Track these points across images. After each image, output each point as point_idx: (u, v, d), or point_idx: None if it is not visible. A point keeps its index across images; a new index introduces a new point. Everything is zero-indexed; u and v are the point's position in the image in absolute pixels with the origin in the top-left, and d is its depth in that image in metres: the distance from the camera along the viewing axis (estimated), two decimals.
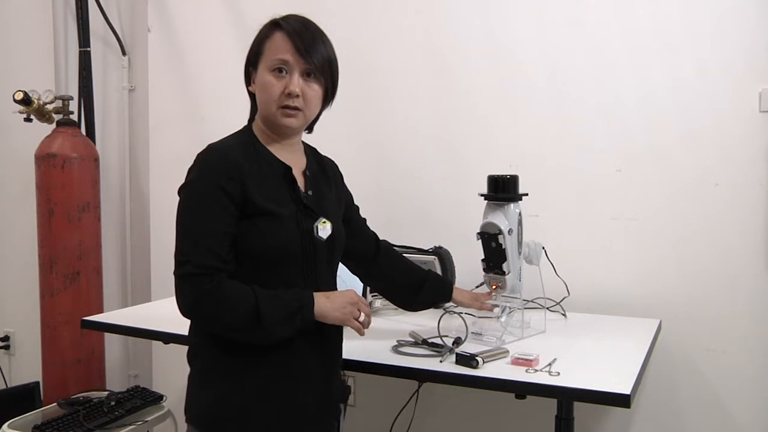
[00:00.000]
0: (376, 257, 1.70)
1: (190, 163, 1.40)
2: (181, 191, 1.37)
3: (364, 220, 1.72)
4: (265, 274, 1.34)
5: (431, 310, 2.09)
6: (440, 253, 2.14)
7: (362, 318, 1.42)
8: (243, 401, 1.34)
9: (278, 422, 1.36)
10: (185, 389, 1.43)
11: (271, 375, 1.35)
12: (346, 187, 1.65)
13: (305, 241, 1.38)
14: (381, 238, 1.79)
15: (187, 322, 1.37)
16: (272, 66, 1.37)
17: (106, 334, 2.85)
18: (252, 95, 1.46)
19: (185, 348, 1.53)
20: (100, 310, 2.78)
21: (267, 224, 1.33)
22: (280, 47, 1.37)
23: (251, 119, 1.49)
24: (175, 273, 1.31)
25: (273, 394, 1.36)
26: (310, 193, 1.44)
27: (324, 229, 1.43)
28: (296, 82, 1.37)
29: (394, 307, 2.10)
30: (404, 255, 1.83)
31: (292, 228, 1.37)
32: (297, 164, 1.46)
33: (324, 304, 1.36)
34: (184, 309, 1.32)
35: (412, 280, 1.73)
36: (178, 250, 1.32)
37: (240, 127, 1.49)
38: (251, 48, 1.43)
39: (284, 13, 1.44)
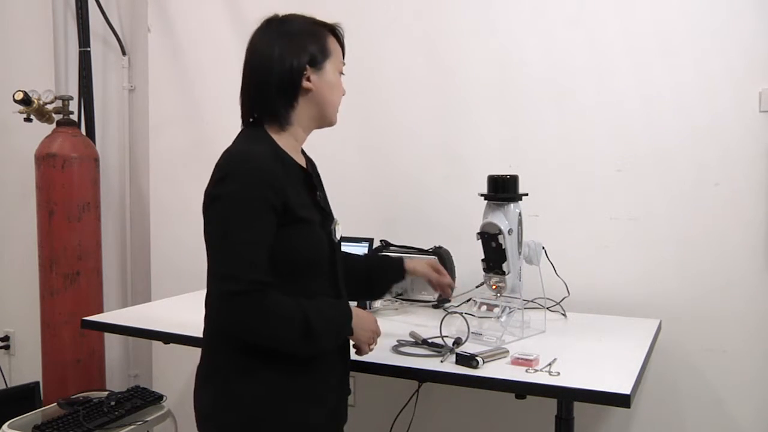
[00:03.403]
0: None
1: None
2: (218, 200, 1.28)
3: None
4: (298, 281, 1.33)
5: (432, 310, 2.10)
6: (440, 253, 2.14)
7: (374, 347, 1.45)
8: (281, 406, 1.33)
9: (310, 423, 1.36)
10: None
11: (305, 378, 1.35)
12: None
13: (330, 245, 1.40)
14: (381, 238, 1.79)
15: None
16: (340, 69, 1.44)
17: (106, 334, 2.85)
18: (297, 93, 1.38)
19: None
20: (100, 310, 2.78)
21: (304, 232, 1.33)
22: (340, 52, 1.44)
23: (277, 120, 1.39)
24: (223, 289, 1.23)
25: (306, 396, 1.36)
26: (319, 194, 1.45)
27: (338, 230, 1.45)
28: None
29: (395, 307, 2.11)
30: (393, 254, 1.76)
31: (321, 233, 1.39)
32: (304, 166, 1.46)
33: (356, 323, 1.38)
34: (238, 327, 1.26)
35: (357, 277, 1.62)
36: (225, 265, 1.24)
37: (241, 129, 1.46)
38: (311, 45, 1.38)
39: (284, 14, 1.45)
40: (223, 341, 1.35)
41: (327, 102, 1.41)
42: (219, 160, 1.34)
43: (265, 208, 1.26)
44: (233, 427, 1.33)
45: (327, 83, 1.40)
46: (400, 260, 1.70)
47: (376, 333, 1.44)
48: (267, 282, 1.24)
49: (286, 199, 1.29)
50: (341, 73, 1.45)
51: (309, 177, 1.42)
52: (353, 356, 1.50)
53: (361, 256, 1.73)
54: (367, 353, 1.44)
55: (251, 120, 1.42)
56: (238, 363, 1.33)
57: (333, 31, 1.44)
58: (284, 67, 1.36)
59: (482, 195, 1.79)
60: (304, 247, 1.33)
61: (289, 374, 1.33)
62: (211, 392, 1.36)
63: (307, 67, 1.37)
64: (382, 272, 1.68)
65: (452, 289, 1.74)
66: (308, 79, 1.38)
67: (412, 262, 1.70)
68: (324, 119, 1.43)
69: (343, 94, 1.46)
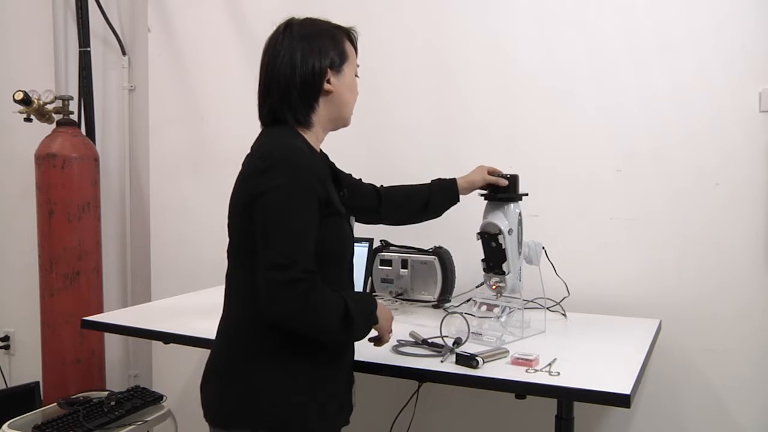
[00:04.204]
0: (380, 204, 1.75)
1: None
2: (267, 193, 1.28)
3: (359, 179, 1.75)
4: (326, 271, 1.33)
5: (432, 310, 2.10)
6: (440, 253, 2.14)
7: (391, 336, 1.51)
8: (305, 395, 1.36)
9: (339, 414, 1.43)
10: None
11: (323, 368, 1.38)
12: None
13: (352, 239, 1.47)
14: (381, 238, 1.78)
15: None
16: (355, 71, 1.49)
17: (106, 334, 2.85)
18: (318, 95, 1.41)
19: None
20: (100, 310, 2.78)
21: (337, 224, 1.38)
22: (355, 55, 1.49)
23: (299, 121, 1.41)
24: (276, 278, 1.23)
25: (338, 389, 1.42)
26: (344, 190, 1.52)
27: (353, 224, 1.52)
28: None
29: (395, 307, 2.11)
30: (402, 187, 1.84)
31: (348, 227, 1.46)
32: None
33: (379, 312, 1.42)
34: (287, 316, 1.25)
35: (417, 204, 1.78)
36: (280, 253, 1.24)
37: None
38: (331, 48, 1.42)
39: (285, 14, 1.45)
40: (252, 332, 1.34)
41: (345, 103, 1.46)
42: (257, 153, 1.36)
43: (312, 199, 1.29)
44: (260, 416, 1.33)
45: (346, 85, 1.45)
46: (455, 187, 1.79)
47: (391, 320, 1.50)
48: (315, 271, 1.26)
49: (327, 192, 1.34)
50: (356, 75, 1.50)
51: (337, 173, 1.50)
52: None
53: (419, 187, 1.82)
54: (387, 342, 1.49)
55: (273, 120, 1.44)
56: (264, 353, 1.34)
57: (348, 34, 1.48)
58: (307, 69, 1.39)
59: (482, 195, 1.79)
60: (337, 239, 1.38)
61: (312, 364, 1.35)
62: (238, 382, 1.35)
63: (329, 70, 1.41)
64: (440, 202, 1.80)
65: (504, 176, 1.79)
66: (329, 82, 1.41)
67: (467, 181, 1.80)
68: (340, 120, 1.48)
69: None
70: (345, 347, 1.44)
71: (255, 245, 1.27)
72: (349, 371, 1.48)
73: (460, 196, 1.79)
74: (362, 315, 1.35)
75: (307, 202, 1.29)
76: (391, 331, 1.49)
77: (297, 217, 1.27)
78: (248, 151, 1.49)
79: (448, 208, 1.81)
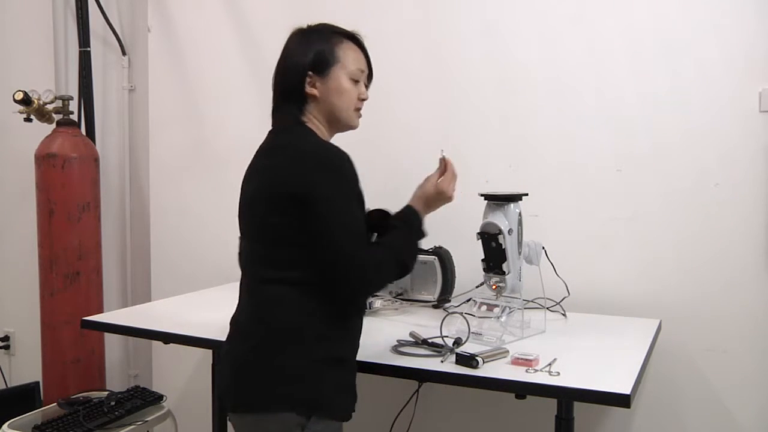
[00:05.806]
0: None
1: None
2: (326, 189, 1.35)
3: None
4: None
5: (432, 310, 2.09)
6: (440, 253, 2.14)
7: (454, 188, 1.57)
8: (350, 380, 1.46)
9: (352, 398, 1.50)
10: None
11: (352, 355, 1.48)
12: None
13: None
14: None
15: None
16: (352, 75, 1.46)
17: (106, 334, 2.85)
18: (306, 97, 1.44)
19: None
20: (100, 310, 2.78)
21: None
22: (359, 59, 1.47)
23: (301, 120, 1.45)
24: (355, 261, 1.35)
25: (352, 374, 1.48)
26: None
27: None
28: (365, 91, 1.51)
29: (395, 307, 2.11)
30: None
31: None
32: None
33: (429, 204, 1.56)
34: (377, 282, 1.42)
35: None
36: (349, 241, 1.35)
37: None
38: (320, 52, 1.43)
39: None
40: (295, 319, 1.38)
41: (336, 108, 1.45)
42: (290, 149, 1.38)
43: (358, 193, 1.42)
44: (295, 396, 1.36)
45: (332, 89, 1.44)
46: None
47: (443, 192, 1.55)
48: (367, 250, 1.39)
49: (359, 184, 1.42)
50: (356, 79, 1.47)
51: None
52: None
53: None
54: (452, 195, 1.57)
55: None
56: (302, 339, 1.37)
57: (351, 38, 1.48)
58: (289, 70, 1.43)
59: (482, 195, 1.79)
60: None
61: (341, 349, 1.43)
62: (281, 367, 1.37)
63: (310, 73, 1.42)
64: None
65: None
66: (313, 86, 1.42)
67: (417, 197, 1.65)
68: (339, 123, 1.49)
69: (365, 99, 1.50)
70: (359, 333, 1.48)
71: (300, 239, 1.33)
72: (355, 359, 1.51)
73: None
74: (411, 248, 1.48)
75: (354, 199, 1.38)
76: (452, 190, 1.56)
77: (351, 215, 1.37)
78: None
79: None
